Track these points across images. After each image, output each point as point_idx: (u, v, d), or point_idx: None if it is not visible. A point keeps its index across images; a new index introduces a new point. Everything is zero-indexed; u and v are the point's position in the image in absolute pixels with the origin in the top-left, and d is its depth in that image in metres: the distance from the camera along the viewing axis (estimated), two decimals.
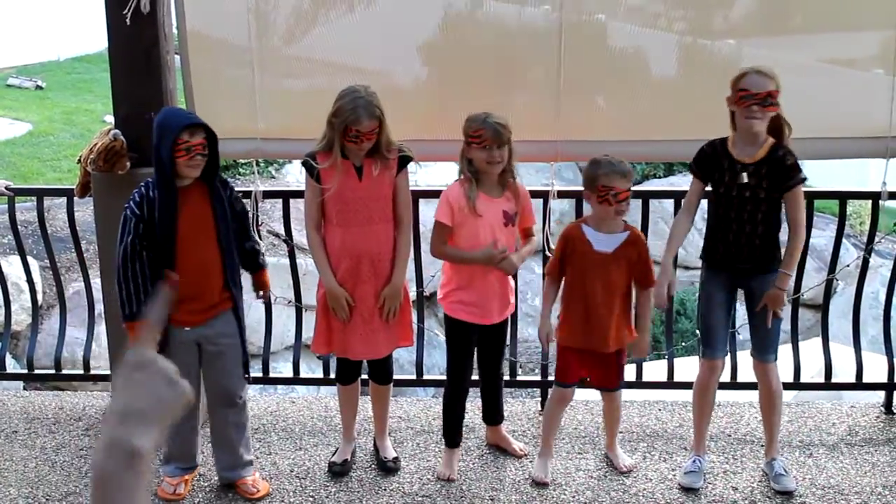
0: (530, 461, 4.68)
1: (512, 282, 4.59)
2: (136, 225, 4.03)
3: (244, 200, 5.08)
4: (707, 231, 4.41)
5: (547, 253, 5.02)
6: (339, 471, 4.60)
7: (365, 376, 4.71)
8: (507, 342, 4.74)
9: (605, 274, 4.33)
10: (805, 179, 4.24)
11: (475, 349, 4.59)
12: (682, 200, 4.52)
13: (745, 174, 4.18)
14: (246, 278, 4.43)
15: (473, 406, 5.21)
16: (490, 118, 4.25)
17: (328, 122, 4.21)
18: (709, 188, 4.36)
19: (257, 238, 4.60)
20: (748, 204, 4.21)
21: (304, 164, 4.33)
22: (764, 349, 4.41)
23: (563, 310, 4.51)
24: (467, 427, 5.00)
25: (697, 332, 4.54)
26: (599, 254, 4.34)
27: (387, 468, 4.62)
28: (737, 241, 4.28)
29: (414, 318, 4.67)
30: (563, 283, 4.47)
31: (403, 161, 4.34)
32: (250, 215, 5.04)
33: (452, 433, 4.65)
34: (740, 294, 4.51)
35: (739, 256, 4.30)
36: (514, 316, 5.28)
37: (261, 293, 4.65)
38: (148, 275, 4.06)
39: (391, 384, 4.69)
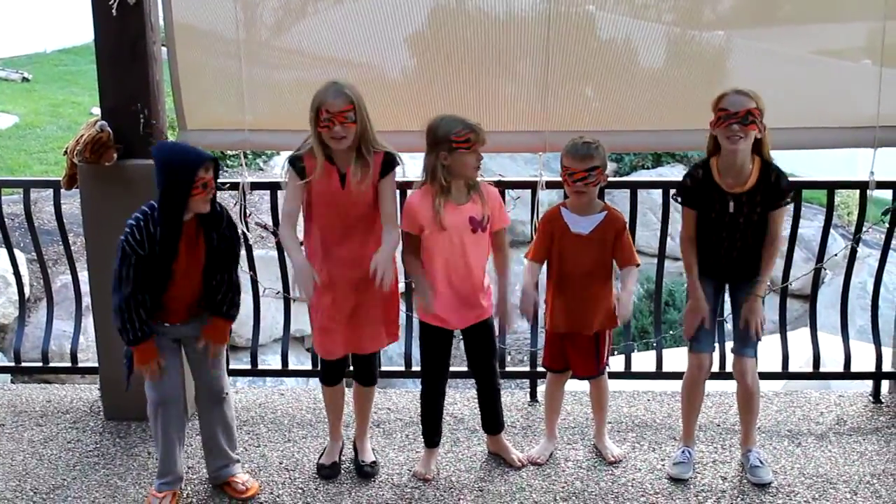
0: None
1: (490, 286, 4.47)
2: (139, 262, 3.94)
3: (231, 192, 5.08)
4: (696, 243, 4.38)
5: None
6: (327, 474, 4.55)
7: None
8: (497, 345, 4.61)
9: (583, 256, 4.35)
10: (791, 202, 4.27)
11: (449, 351, 4.51)
12: (680, 235, 4.40)
13: (734, 203, 4.18)
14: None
15: (464, 397, 5.23)
16: (467, 120, 4.15)
17: (310, 123, 4.11)
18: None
19: (238, 279, 4.32)
20: (741, 226, 4.22)
21: (289, 160, 4.21)
22: (743, 344, 4.39)
23: (548, 295, 4.51)
24: (455, 418, 5.02)
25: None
26: (576, 236, 4.35)
27: (363, 473, 4.55)
28: (728, 256, 4.30)
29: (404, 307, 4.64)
30: (546, 266, 4.48)
31: (387, 165, 4.20)
32: (239, 207, 5.03)
33: (430, 433, 4.61)
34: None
35: (729, 268, 4.33)
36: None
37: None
38: (142, 300, 3.99)
39: (375, 386, 4.64)
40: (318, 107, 4.04)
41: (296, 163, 4.19)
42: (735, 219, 4.21)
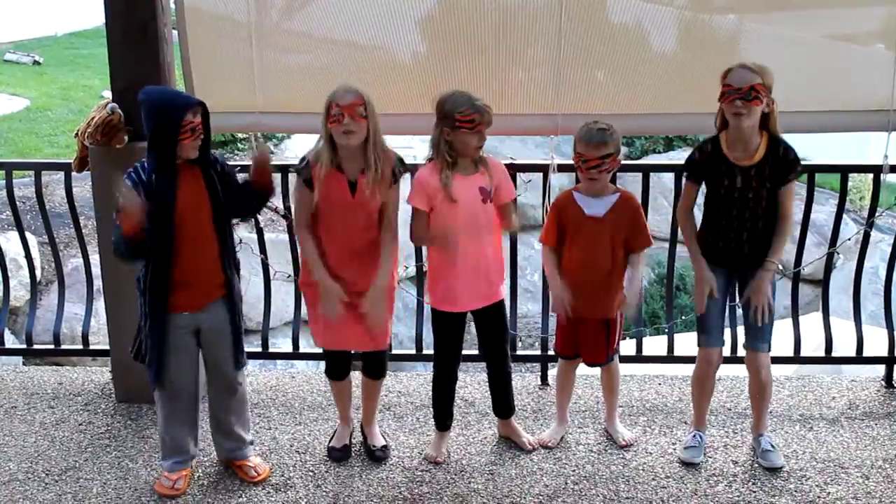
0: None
1: (498, 261, 4.44)
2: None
3: (243, 175, 5.07)
4: (705, 227, 4.34)
5: None
6: (338, 456, 4.55)
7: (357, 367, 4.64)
8: (509, 329, 4.61)
9: (598, 238, 4.31)
10: (802, 172, 4.23)
11: (461, 336, 4.50)
12: (679, 206, 4.47)
13: (742, 178, 4.15)
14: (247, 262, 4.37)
15: (475, 380, 5.23)
16: (476, 101, 4.14)
17: (321, 125, 4.11)
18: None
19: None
20: (750, 202, 4.18)
21: (297, 170, 4.20)
22: (756, 337, 4.37)
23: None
24: (466, 402, 5.02)
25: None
26: (591, 217, 4.32)
27: (375, 457, 4.55)
28: (738, 238, 4.24)
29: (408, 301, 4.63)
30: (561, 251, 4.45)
31: (395, 175, 4.18)
32: None
33: (442, 417, 4.61)
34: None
35: (740, 252, 4.27)
36: (514, 291, 5.29)
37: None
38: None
39: (383, 379, 4.62)
40: (329, 103, 4.04)
41: (302, 172, 4.17)
42: (744, 194, 4.17)
